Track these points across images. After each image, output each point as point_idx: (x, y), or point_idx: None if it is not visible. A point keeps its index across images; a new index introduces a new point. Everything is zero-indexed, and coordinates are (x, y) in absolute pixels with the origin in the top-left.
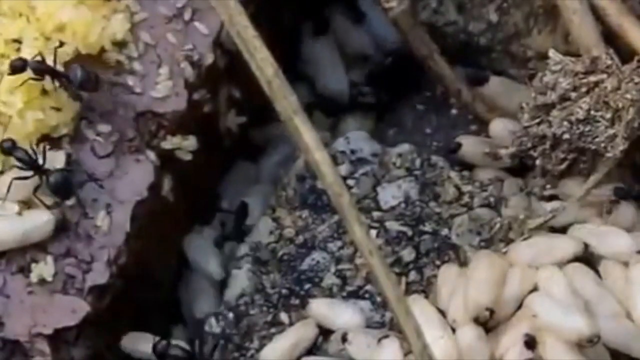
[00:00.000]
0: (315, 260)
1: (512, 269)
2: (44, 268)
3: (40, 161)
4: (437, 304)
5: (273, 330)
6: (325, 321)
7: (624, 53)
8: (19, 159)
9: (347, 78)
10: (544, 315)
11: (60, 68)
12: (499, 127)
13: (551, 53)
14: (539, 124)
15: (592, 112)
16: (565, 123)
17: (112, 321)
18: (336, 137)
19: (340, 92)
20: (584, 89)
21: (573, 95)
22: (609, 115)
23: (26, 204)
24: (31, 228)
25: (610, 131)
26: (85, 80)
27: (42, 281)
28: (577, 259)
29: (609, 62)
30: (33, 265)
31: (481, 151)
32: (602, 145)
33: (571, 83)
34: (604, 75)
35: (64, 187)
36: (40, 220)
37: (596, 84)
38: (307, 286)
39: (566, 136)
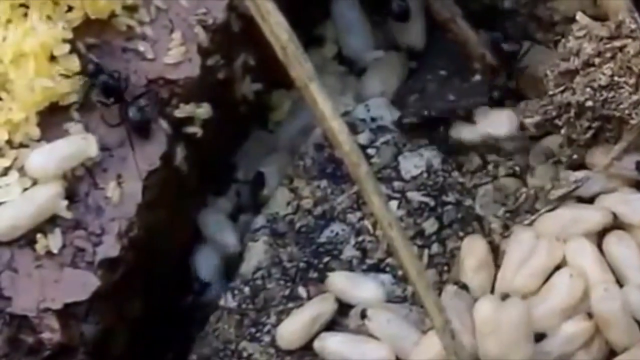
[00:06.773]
0: (335, 232)
1: (539, 241)
2: (51, 240)
3: None
4: (460, 277)
5: (290, 304)
6: (345, 295)
7: None
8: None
9: None
10: None
11: None
12: None
13: (579, 16)
14: (563, 91)
15: (616, 78)
16: (588, 90)
17: (123, 295)
18: (356, 101)
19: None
20: (608, 55)
21: (597, 61)
22: (632, 81)
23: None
24: (42, 205)
25: (634, 97)
26: None
27: (51, 254)
28: (608, 228)
29: (633, 26)
30: (40, 237)
31: None
32: (626, 112)
33: (595, 48)
34: (628, 40)
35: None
36: (49, 195)
37: (620, 49)
38: (325, 259)
39: (589, 103)
